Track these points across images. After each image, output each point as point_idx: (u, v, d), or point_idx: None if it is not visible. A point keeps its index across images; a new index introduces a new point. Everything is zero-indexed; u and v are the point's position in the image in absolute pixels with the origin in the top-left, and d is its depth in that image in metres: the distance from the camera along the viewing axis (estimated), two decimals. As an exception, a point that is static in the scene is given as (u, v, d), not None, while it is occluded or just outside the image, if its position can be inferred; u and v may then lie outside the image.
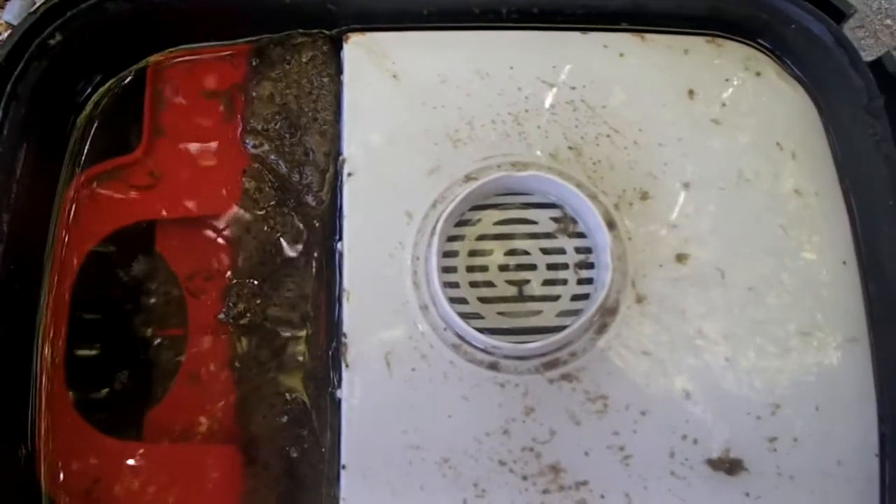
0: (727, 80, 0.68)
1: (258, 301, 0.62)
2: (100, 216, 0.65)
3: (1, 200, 0.59)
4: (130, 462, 0.59)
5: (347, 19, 0.69)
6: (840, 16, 0.66)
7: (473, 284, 0.61)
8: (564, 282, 0.61)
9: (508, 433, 0.57)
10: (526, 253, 0.62)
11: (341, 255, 0.61)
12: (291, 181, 0.65)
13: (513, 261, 0.61)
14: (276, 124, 0.66)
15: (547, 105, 0.66)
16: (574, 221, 0.62)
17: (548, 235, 0.62)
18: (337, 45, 0.69)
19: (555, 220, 0.62)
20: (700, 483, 0.57)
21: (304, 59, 0.68)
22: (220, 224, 0.65)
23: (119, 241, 0.65)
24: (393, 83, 0.66)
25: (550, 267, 0.61)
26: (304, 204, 0.65)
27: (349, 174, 0.63)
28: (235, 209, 0.65)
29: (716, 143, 0.66)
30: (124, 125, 0.69)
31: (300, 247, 0.64)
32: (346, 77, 0.67)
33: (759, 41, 0.70)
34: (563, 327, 0.57)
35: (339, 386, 0.59)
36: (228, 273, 0.63)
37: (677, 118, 0.66)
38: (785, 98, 0.68)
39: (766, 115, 0.67)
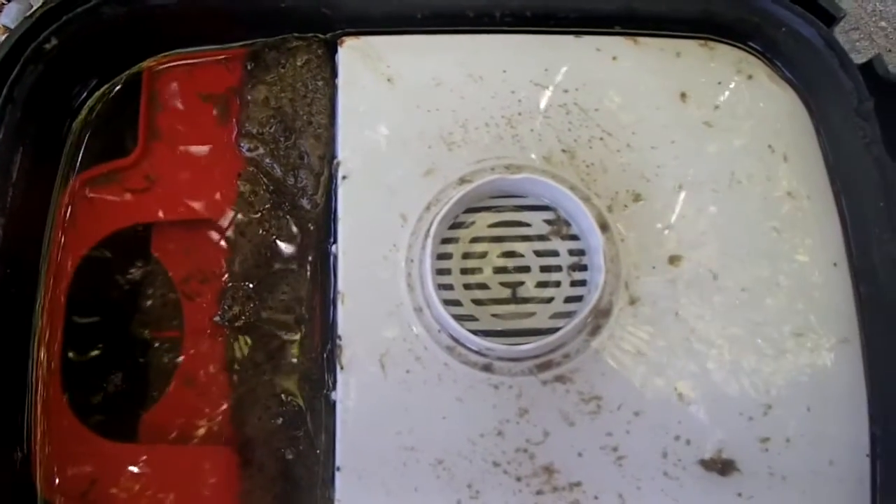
0: (719, 82, 0.68)
1: (253, 304, 0.62)
2: (95, 219, 0.65)
3: (-3, 204, 0.60)
4: (126, 464, 0.59)
5: (342, 23, 0.70)
6: (830, 19, 0.67)
7: (467, 286, 0.61)
8: (558, 284, 0.61)
9: (502, 434, 0.57)
10: (519, 255, 0.62)
11: (336, 257, 0.62)
12: (286, 184, 0.66)
13: (506, 263, 0.62)
14: (270, 128, 0.67)
15: (540, 108, 0.66)
16: (567, 224, 0.63)
17: (541, 238, 0.62)
18: (331, 49, 0.69)
19: (548, 222, 0.63)
20: (693, 483, 0.57)
21: (298, 63, 0.69)
22: (215, 227, 0.65)
23: (115, 245, 0.65)
24: (387, 86, 0.67)
25: (544, 269, 0.62)
26: (299, 207, 0.65)
27: (344, 177, 0.64)
28: (230, 212, 0.65)
29: (708, 145, 0.66)
30: (120, 129, 0.69)
31: (295, 250, 0.64)
32: (341, 80, 0.67)
33: (751, 44, 0.71)
34: (557, 329, 0.58)
35: (334, 388, 0.59)
36: (224, 276, 0.64)
37: (670, 121, 0.66)
38: (776, 101, 0.68)
39: (757, 117, 0.67)
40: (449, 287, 0.61)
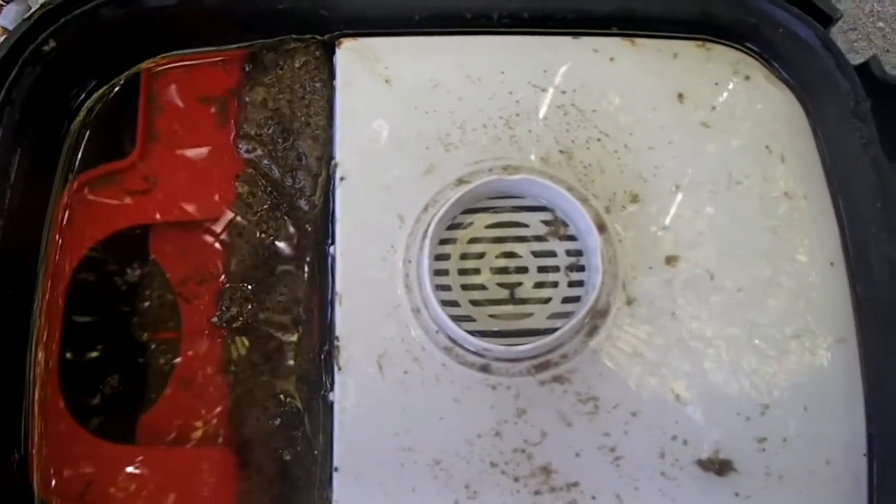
0: (716, 83, 0.69)
1: (251, 305, 0.63)
2: (94, 221, 0.65)
3: (-5, 205, 0.60)
4: (124, 466, 0.59)
5: (340, 24, 0.70)
6: (827, 20, 0.67)
7: (465, 287, 0.61)
8: (555, 284, 0.61)
9: (500, 435, 0.57)
10: (517, 256, 0.62)
11: (334, 258, 0.62)
12: (284, 186, 0.66)
13: (504, 264, 0.62)
14: (269, 129, 0.67)
15: (538, 109, 0.66)
16: (565, 224, 0.63)
17: (539, 238, 0.62)
18: (329, 51, 0.69)
19: (546, 223, 0.63)
20: (690, 483, 0.57)
21: (296, 65, 0.69)
22: (214, 228, 0.65)
23: (113, 246, 0.65)
24: (385, 88, 0.67)
25: (541, 270, 0.62)
26: (297, 208, 0.65)
27: (341, 178, 0.64)
28: (228, 214, 0.65)
29: (705, 146, 0.66)
30: (118, 131, 0.69)
31: (293, 251, 0.64)
32: (339, 82, 0.67)
33: (748, 45, 0.71)
34: (555, 329, 0.58)
35: (332, 389, 0.59)
36: (221, 277, 0.64)
37: (667, 122, 0.66)
38: (774, 101, 0.69)
39: (755, 118, 0.67)
40: (447, 288, 0.61)
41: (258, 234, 0.64)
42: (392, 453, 0.57)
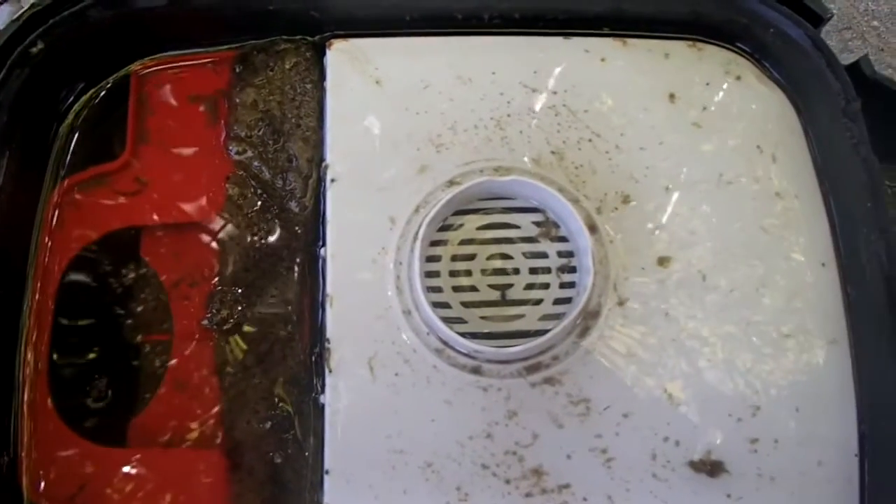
0: (708, 83, 0.68)
1: (241, 307, 0.62)
2: (83, 222, 0.65)
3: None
4: (115, 468, 0.59)
5: (330, 25, 0.70)
6: (818, 20, 0.67)
7: (456, 289, 0.61)
8: (547, 286, 0.61)
9: (491, 437, 0.57)
10: (508, 257, 0.62)
11: (324, 260, 0.62)
12: (275, 187, 0.66)
13: (495, 265, 0.62)
14: (259, 131, 0.66)
15: (529, 110, 0.66)
16: (556, 225, 0.63)
17: (530, 240, 0.62)
18: (320, 52, 0.69)
19: (537, 224, 0.63)
20: (682, 485, 0.57)
21: (287, 66, 0.69)
22: (204, 230, 0.65)
23: (103, 248, 0.65)
24: (376, 89, 0.67)
25: (533, 271, 0.62)
26: (288, 210, 0.65)
27: (332, 180, 0.63)
28: (219, 215, 0.65)
29: (697, 146, 0.66)
30: (107, 133, 0.69)
31: (283, 253, 0.64)
32: (329, 83, 0.67)
33: (739, 45, 0.71)
34: (546, 331, 0.58)
35: (323, 391, 0.59)
36: (212, 279, 0.63)
37: (658, 122, 0.66)
38: (765, 101, 0.69)
39: (746, 118, 0.67)
40: (438, 290, 0.61)
41: (249, 237, 0.64)
42: (383, 455, 0.57)
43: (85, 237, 0.64)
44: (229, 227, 0.65)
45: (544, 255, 0.62)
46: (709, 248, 0.63)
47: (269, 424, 0.60)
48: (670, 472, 0.57)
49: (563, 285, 0.61)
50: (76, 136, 0.68)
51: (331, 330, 0.59)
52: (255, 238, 0.64)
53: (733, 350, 0.60)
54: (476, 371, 0.58)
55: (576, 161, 0.65)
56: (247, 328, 0.62)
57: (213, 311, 0.62)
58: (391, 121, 0.65)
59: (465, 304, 0.61)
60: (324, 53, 0.69)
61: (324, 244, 0.62)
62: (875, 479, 0.58)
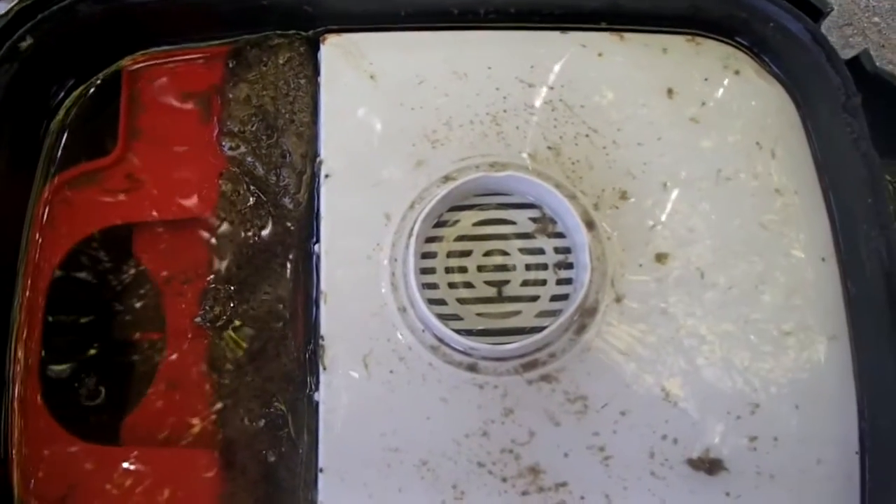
0: (706, 78, 0.68)
1: (234, 304, 0.62)
2: (74, 220, 0.64)
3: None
4: (107, 467, 0.58)
5: (324, 20, 0.69)
6: (817, 14, 0.66)
7: (452, 286, 0.60)
8: (543, 282, 0.61)
9: (487, 435, 0.57)
10: (505, 253, 0.61)
11: (318, 257, 0.61)
12: (268, 183, 0.65)
13: (492, 261, 0.61)
14: (252, 126, 0.66)
15: (525, 105, 0.66)
16: (553, 221, 0.62)
17: (527, 236, 0.62)
18: (314, 47, 0.69)
19: (534, 220, 0.62)
20: (680, 483, 0.56)
21: (280, 61, 0.68)
22: (197, 227, 0.64)
23: (95, 245, 0.65)
24: (370, 84, 0.66)
25: (529, 267, 0.61)
26: (282, 206, 0.64)
27: (326, 176, 0.63)
28: (212, 212, 0.64)
29: (695, 141, 0.65)
30: (98, 129, 0.68)
31: (277, 249, 0.63)
32: (323, 78, 0.66)
33: (738, 39, 0.70)
34: (543, 328, 0.57)
35: (317, 389, 0.58)
36: (205, 276, 0.63)
37: (656, 117, 0.66)
38: (764, 96, 0.68)
39: (745, 113, 0.67)
40: (433, 286, 0.60)
41: (242, 233, 0.64)
42: (378, 454, 0.56)
43: (76, 234, 0.64)
44: (222, 223, 0.64)
45: (541, 252, 0.61)
46: (707, 244, 0.62)
47: (262, 422, 0.59)
48: (668, 470, 0.57)
49: (559, 282, 0.61)
50: (67, 132, 0.67)
51: (325, 327, 0.59)
52: (249, 234, 0.64)
53: (732, 347, 0.59)
54: (472, 368, 0.58)
55: (573, 157, 0.64)
56: (240, 325, 0.62)
57: (206, 308, 0.61)
58: (386, 116, 0.65)
59: (461, 301, 0.60)
60: (318, 48, 0.68)
61: (318, 240, 0.62)
62: (876, 476, 0.57)
